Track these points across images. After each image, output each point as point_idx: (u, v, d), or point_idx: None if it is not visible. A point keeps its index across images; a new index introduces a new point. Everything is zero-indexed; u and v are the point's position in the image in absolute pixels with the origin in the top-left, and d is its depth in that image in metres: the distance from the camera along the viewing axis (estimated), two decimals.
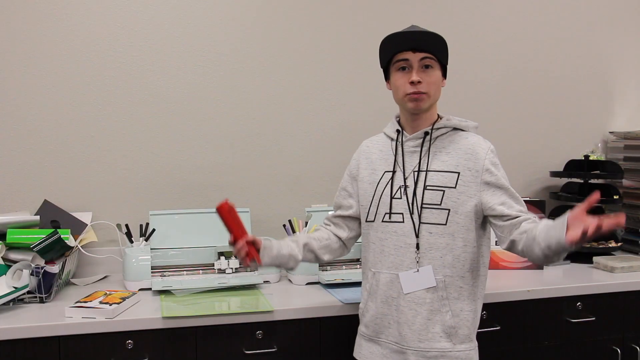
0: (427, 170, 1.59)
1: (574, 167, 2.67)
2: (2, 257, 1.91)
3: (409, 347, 1.58)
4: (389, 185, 1.62)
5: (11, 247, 1.96)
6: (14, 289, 1.78)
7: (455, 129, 1.63)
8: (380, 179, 1.65)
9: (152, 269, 2.04)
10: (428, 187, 1.57)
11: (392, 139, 1.68)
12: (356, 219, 1.75)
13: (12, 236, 1.94)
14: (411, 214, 1.58)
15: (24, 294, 1.81)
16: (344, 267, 2.20)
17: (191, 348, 1.76)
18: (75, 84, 2.23)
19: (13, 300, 1.78)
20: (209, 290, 1.99)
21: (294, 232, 2.25)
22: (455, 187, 1.56)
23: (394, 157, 1.65)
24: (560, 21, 2.80)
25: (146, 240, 2.13)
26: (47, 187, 2.22)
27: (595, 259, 2.39)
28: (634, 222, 2.65)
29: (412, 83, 1.55)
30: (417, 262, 1.57)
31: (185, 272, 2.10)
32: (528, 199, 2.44)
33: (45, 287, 1.82)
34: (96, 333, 1.68)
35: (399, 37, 1.57)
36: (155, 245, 2.12)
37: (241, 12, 2.39)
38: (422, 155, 1.61)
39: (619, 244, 2.55)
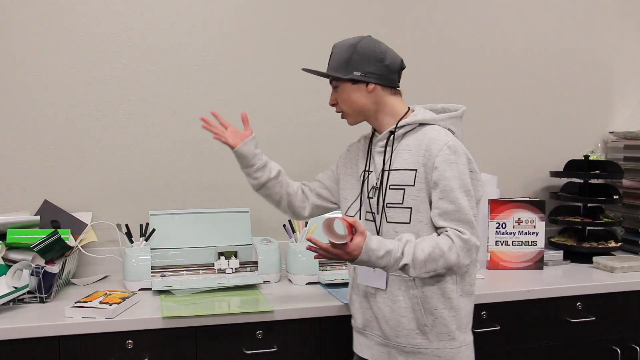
0: (389, 170, 1.62)
1: (574, 167, 2.67)
2: (2, 257, 1.91)
3: (389, 342, 1.63)
4: (366, 185, 1.68)
5: (11, 247, 1.96)
6: (14, 289, 1.78)
7: (422, 124, 1.62)
8: (361, 177, 1.71)
9: (152, 269, 2.04)
10: (391, 187, 1.60)
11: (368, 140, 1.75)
12: (325, 198, 1.85)
13: (12, 236, 1.94)
14: (379, 213, 1.62)
15: (24, 294, 1.81)
16: (344, 267, 2.20)
17: (191, 348, 1.76)
18: (76, 84, 2.23)
19: (13, 300, 1.78)
20: (209, 290, 1.99)
21: (294, 232, 2.25)
22: (413, 185, 1.57)
23: (367, 158, 1.71)
24: (561, 21, 2.80)
25: (146, 240, 2.13)
26: (47, 187, 2.22)
27: (595, 259, 2.39)
28: (634, 222, 2.65)
29: None
30: None
31: (185, 272, 2.10)
32: (528, 199, 2.43)
33: (45, 287, 1.82)
34: (96, 333, 1.68)
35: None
36: (155, 245, 2.12)
37: (241, 12, 2.38)
38: (387, 154, 1.64)
39: (619, 244, 2.55)
